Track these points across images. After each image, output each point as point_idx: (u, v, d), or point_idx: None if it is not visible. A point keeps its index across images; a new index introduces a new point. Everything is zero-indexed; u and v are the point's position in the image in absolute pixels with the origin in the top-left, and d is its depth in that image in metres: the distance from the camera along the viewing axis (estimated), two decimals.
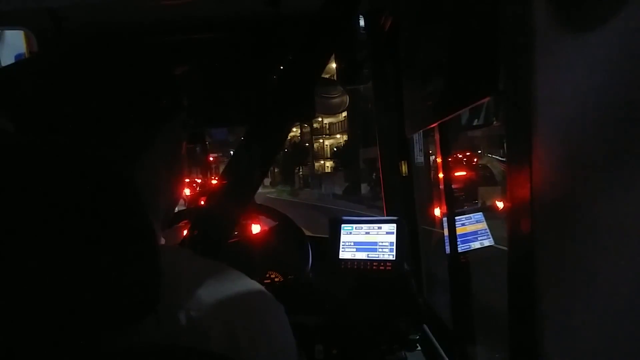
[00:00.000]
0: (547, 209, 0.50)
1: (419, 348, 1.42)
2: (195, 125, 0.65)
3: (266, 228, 1.60)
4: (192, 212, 1.46)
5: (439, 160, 1.45)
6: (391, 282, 1.39)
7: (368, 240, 1.46)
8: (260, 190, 1.06)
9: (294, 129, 25.74)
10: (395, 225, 1.44)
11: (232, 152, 0.99)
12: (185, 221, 1.39)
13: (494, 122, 1.21)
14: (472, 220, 1.47)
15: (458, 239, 1.43)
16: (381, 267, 1.41)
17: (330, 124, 32.67)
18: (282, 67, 1.34)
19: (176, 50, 1.43)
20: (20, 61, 0.65)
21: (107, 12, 1.31)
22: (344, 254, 1.48)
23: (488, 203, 8.07)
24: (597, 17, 0.47)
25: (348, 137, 28.85)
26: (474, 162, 12.23)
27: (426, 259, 1.73)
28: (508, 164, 0.56)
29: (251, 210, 1.55)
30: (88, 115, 0.50)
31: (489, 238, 1.47)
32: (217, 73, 1.43)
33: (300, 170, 33.42)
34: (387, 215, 1.67)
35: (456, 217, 1.45)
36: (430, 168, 1.93)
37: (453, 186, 1.50)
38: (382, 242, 1.44)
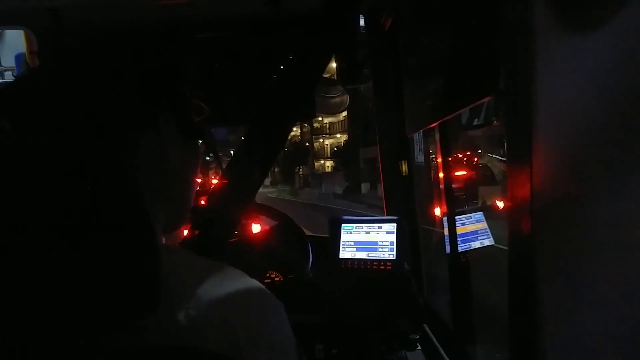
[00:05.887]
0: (547, 209, 0.50)
1: (419, 347, 1.42)
2: (194, 124, 0.65)
3: (266, 228, 1.60)
4: (192, 212, 1.46)
5: (439, 159, 1.45)
6: (391, 282, 1.39)
7: (368, 239, 1.46)
8: (260, 189, 1.06)
9: (294, 129, 25.75)
10: (395, 224, 1.44)
11: (232, 152, 0.99)
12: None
13: (494, 122, 1.21)
14: (472, 219, 1.47)
15: (458, 239, 1.43)
16: (381, 267, 1.41)
17: (330, 123, 32.69)
18: (282, 67, 1.34)
19: (176, 50, 1.43)
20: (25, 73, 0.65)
21: (107, 11, 1.31)
22: (344, 254, 1.48)
23: (488, 203, 8.07)
24: (597, 18, 0.47)
25: (348, 136, 28.86)
26: (474, 161, 12.23)
27: (426, 259, 1.73)
28: (508, 164, 0.56)
29: (251, 210, 1.55)
30: (86, 115, 0.50)
31: (489, 237, 1.47)
32: (217, 73, 1.43)
33: (301, 169, 33.43)
34: (387, 215, 1.67)
35: (456, 217, 1.45)
36: (430, 168, 1.93)
37: (453, 186, 1.50)
38: (382, 242, 1.44)
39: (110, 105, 0.52)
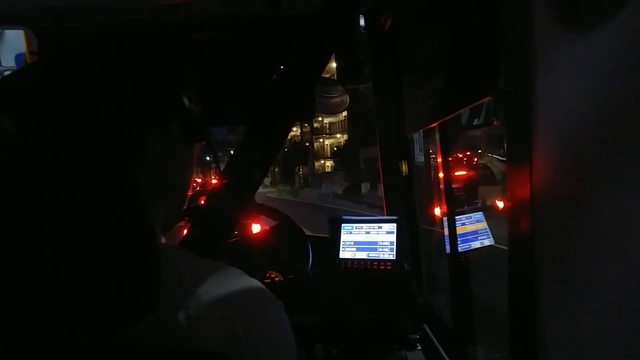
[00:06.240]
0: (547, 209, 0.50)
1: (419, 347, 1.42)
2: (197, 125, 0.65)
3: (266, 227, 1.60)
4: (192, 212, 1.46)
5: (439, 159, 1.45)
6: (391, 282, 1.39)
7: (368, 239, 1.46)
8: (260, 189, 1.06)
9: (294, 129, 25.75)
10: (395, 224, 1.44)
11: (232, 152, 0.99)
12: (185, 221, 1.38)
13: (494, 122, 1.21)
14: (472, 219, 1.47)
15: (458, 239, 1.43)
16: (381, 267, 1.41)
17: (330, 123, 32.68)
18: (282, 67, 1.34)
19: (176, 50, 1.43)
20: (22, 67, 0.65)
21: (107, 11, 1.31)
22: (344, 254, 1.48)
23: (488, 202, 8.07)
24: (597, 17, 0.47)
25: (348, 136, 28.85)
26: (474, 161, 12.24)
27: (426, 259, 1.73)
28: (508, 164, 0.56)
29: (251, 210, 1.55)
30: (87, 116, 0.50)
31: (489, 237, 1.47)
32: (217, 73, 1.43)
33: (301, 169, 33.44)
34: (387, 215, 1.67)
35: (456, 217, 1.45)
36: (430, 168, 1.93)
37: (453, 186, 1.50)
38: (382, 242, 1.44)
39: (114, 106, 0.52)
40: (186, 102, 0.62)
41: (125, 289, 0.41)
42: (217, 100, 1.42)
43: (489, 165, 12.00)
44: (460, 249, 1.43)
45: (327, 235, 1.54)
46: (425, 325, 1.49)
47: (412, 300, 1.39)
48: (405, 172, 1.66)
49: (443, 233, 1.50)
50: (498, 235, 1.36)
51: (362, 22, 1.55)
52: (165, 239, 0.64)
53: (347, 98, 1.52)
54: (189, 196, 0.67)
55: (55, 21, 1.23)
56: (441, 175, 1.45)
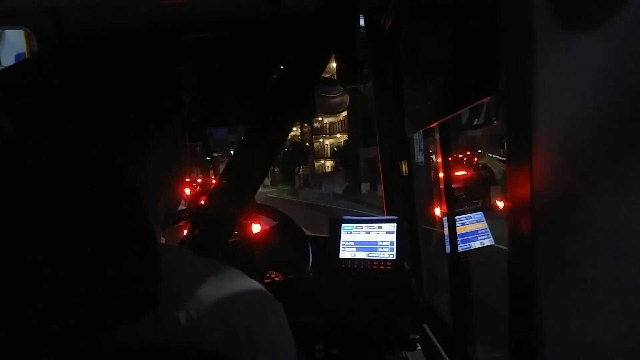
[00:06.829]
0: (547, 209, 0.50)
1: (419, 347, 1.42)
2: (196, 125, 0.65)
3: (266, 227, 1.60)
4: (192, 212, 1.46)
5: (439, 159, 1.45)
6: (391, 282, 1.39)
7: (368, 239, 1.46)
8: (260, 189, 1.06)
9: (294, 129, 25.76)
10: (395, 224, 1.44)
11: (232, 152, 0.99)
12: (185, 221, 1.38)
13: (494, 122, 1.20)
14: (472, 219, 1.47)
15: (458, 239, 1.43)
16: (381, 267, 1.41)
17: (330, 123, 32.70)
18: (282, 67, 1.34)
19: (176, 50, 1.43)
20: (20, 62, 0.65)
21: (107, 11, 1.31)
22: (344, 254, 1.48)
23: (488, 202, 8.07)
24: (597, 17, 0.47)
25: (348, 136, 28.85)
26: (474, 161, 12.23)
27: (426, 259, 1.73)
28: (508, 164, 0.56)
29: (251, 210, 1.55)
30: (87, 115, 0.50)
31: (489, 237, 1.47)
32: (217, 73, 1.43)
33: (301, 169, 33.44)
34: (387, 215, 1.67)
35: (456, 217, 1.45)
36: (430, 168, 1.93)
37: (453, 186, 1.50)
38: (382, 242, 1.44)
39: (117, 106, 0.52)
40: (187, 102, 0.62)
41: (124, 288, 0.41)
42: (217, 100, 1.42)
43: (489, 165, 11.99)
44: (460, 249, 1.43)
45: (327, 235, 1.54)
46: (425, 325, 1.49)
47: (412, 300, 1.39)
48: (405, 172, 1.66)
49: (443, 233, 1.50)
50: (498, 235, 1.36)
51: (362, 22, 1.55)
52: (165, 239, 0.64)
53: (347, 98, 1.52)
54: (189, 196, 0.67)
55: (55, 21, 1.23)
56: (441, 175, 1.45)
